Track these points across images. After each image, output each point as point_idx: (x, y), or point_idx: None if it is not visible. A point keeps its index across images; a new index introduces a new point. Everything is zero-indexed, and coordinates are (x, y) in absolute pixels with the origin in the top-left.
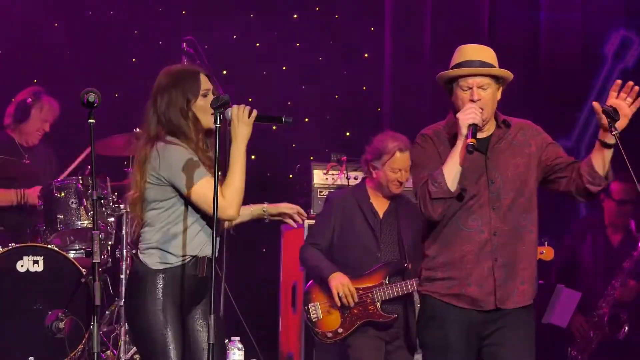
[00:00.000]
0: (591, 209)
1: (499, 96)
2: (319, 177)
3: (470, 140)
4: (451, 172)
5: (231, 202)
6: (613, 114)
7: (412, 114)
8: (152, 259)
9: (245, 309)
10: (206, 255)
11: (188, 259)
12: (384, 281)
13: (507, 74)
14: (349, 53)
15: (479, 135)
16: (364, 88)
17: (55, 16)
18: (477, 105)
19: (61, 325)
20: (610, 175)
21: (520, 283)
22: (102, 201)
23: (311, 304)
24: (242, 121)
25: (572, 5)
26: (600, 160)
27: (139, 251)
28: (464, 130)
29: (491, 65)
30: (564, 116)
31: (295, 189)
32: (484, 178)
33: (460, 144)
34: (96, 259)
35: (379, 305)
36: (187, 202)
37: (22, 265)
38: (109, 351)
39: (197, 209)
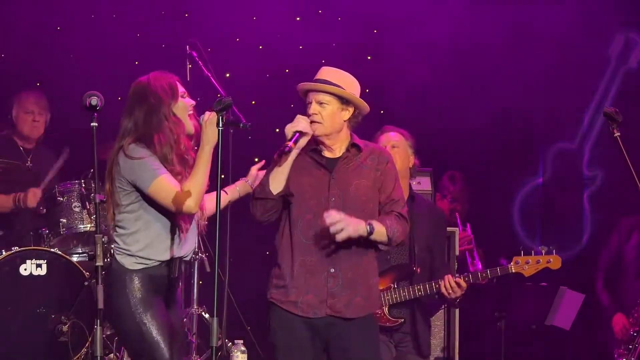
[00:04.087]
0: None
1: (345, 117)
2: None
3: (289, 143)
4: (274, 175)
5: (193, 196)
6: (614, 116)
7: (415, 115)
8: (128, 260)
9: (248, 312)
10: (181, 257)
11: (161, 261)
12: (392, 285)
13: (350, 96)
14: (352, 55)
15: (328, 154)
16: (367, 90)
17: (58, 19)
18: (311, 119)
19: (64, 328)
20: (394, 242)
21: (355, 295)
22: (104, 204)
23: None
24: (209, 125)
25: (575, 5)
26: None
27: (115, 252)
28: (289, 135)
29: (336, 86)
30: (567, 118)
31: None
32: (325, 195)
33: (292, 153)
34: (99, 262)
35: (386, 309)
36: (151, 205)
37: (25, 269)
38: (112, 354)
39: (163, 213)
